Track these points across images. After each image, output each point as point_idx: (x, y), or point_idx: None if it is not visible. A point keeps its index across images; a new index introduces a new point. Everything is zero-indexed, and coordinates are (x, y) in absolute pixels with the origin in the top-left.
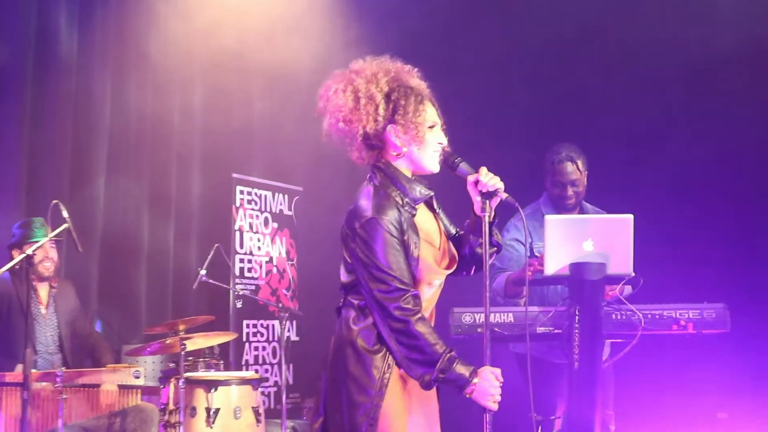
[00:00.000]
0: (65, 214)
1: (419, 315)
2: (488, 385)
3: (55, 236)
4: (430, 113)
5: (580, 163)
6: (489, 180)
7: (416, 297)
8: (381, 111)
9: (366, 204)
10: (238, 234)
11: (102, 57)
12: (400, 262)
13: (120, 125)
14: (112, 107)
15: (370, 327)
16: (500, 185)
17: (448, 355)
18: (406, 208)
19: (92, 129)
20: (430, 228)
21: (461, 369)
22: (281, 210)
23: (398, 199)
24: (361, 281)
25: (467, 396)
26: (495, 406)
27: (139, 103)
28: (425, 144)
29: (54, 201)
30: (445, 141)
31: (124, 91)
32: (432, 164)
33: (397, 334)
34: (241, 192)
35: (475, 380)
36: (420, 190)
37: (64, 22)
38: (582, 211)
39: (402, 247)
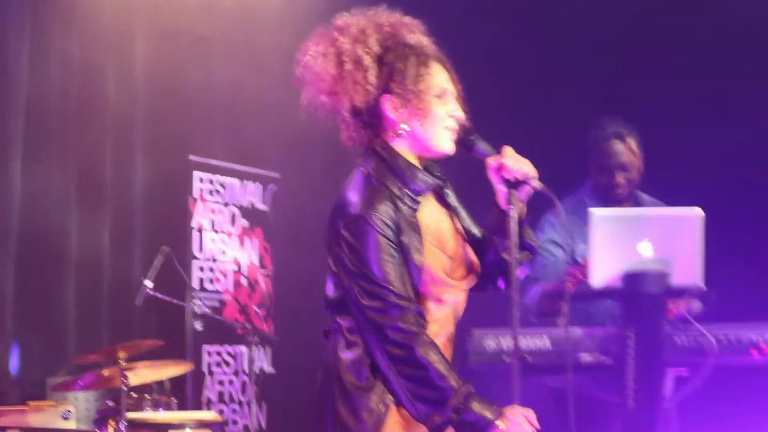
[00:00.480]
0: None
1: (424, 337)
2: (517, 430)
3: None
4: (438, 78)
5: (631, 141)
6: (515, 164)
7: (419, 315)
8: (371, 78)
9: (353, 197)
10: (196, 234)
11: (18, 14)
12: (397, 270)
13: (40, 93)
14: (30, 76)
15: (361, 356)
16: (531, 171)
17: (465, 390)
18: (406, 200)
19: (5, 104)
20: (438, 227)
21: (482, 409)
22: (252, 203)
23: (395, 189)
24: (350, 296)
25: None
26: None
27: (65, 64)
28: (432, 117)
29: None
30: (461, 113)
31: (45, 50)
32: (442, 143)
33: (397, 364)
34: (201, 180)
35: (500, 424)
36: (424, 178)
37: None
38: (637, 204)
39: (399, 251)
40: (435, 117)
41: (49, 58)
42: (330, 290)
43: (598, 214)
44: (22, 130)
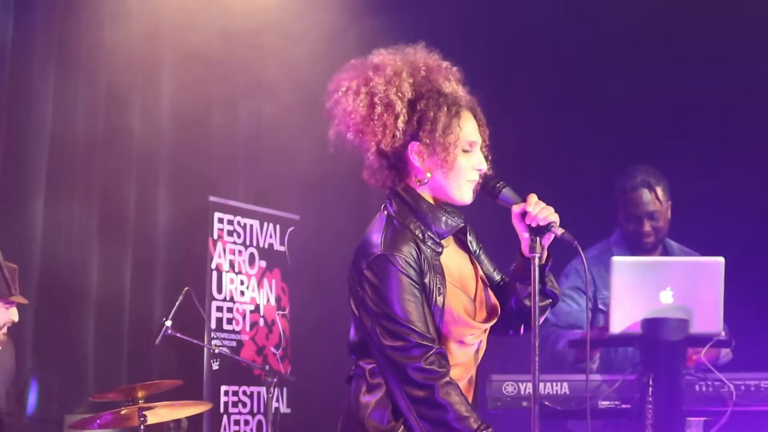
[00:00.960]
0: None
1: (446, 378)
2: None
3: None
4: (468, 130)
5: (659, 190)
6: (540, 211)
7: (441, 355)
8: (401, 124)
9: (375, 239)
10: (215, 274)
11: (43, 44)
12: (419, 310)
13: (64, 132)
14: (55, 108)
15: (384, 399)
16: (554, 218)
17: (485, 431)
18: (429, 243)
19: (29, 136)
20: (460, 271)
21: None
22: (271, 244)
23: (417, 232)
24: (372, 338)
25: None
26: None
27: (90, 103)
28: (456, 171)
29: None
30: (485, 166)
31: (70, 89)
32: (462, 195)
33: (417, 405)
34: (220, 220)
35: None
36: (446, 221)
37: None
38: (666, 252)
39: (421, 292)
40: (459, 170)
41: (72, 94)
42: (352, 333)
43: (619, 261)
44: (45, 166)
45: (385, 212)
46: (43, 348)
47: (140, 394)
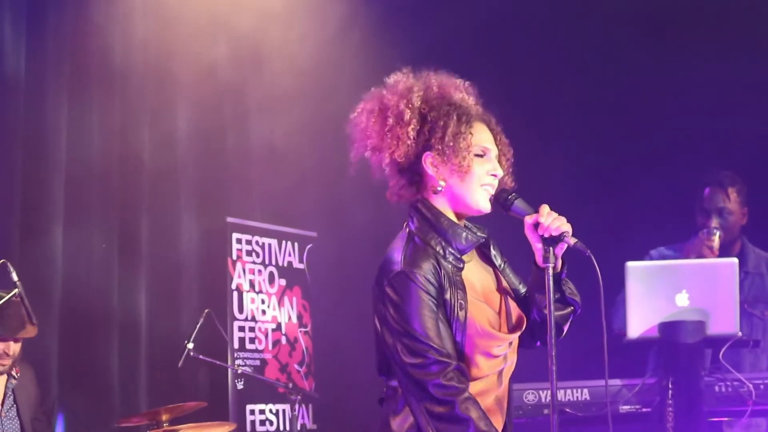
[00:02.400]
0: (15, 276)
1: (466, 394)
2: None
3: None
4: (480, 137)
5: (732, 191)
6: (552, 221)
7: (460, 372)
8: (412, 133)
9: (396, 256)
10: (235, 295)
11: (56, 75)
12: (438, 327)
13: (80, 158)
14: (70, 136)
15: (408, 416)
16: (566, 227)
17: None
18: (450, 259)
19: (46, 164)
20: (483, 284)
21: None
22: (290, 263)
23: (438, 249)
24: (393, 355)
25: None
26: None
27: (103, 129)
28: (471, 176)
29: (1, 260)
30: (500, 172)
31: (84, 116)
32: (479, 202)
33: (438, 421)
34: (239, 241)
35: None
36: (467, 237)
37: (8, 30)
38: (742, 252)
39: (442, 308)
40: (473, 175)
41: (87, 121)
42: (379, 353)
43: (633, 266)
44: (62, 193)
45: (407, 229)
46: (67, 374)
47: (165, 417)
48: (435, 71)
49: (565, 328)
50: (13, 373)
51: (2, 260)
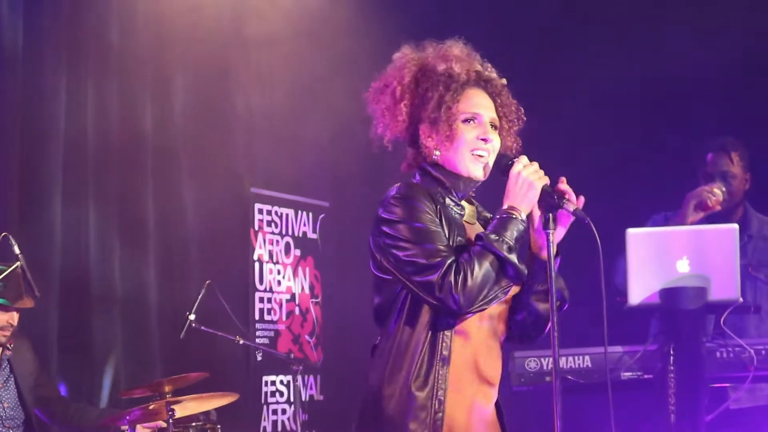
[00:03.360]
0: (16, 249)
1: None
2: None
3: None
4: (470, 103)
5: (735, 155)
6: (530, 173)
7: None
8: (404, 109)
9: (391, 191)
10: (257, 266)
11: (54, 49)
12: (435, 229)
13: (77, 131)
14: (68, 107)
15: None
16: (540, 182)
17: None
18: (449, 204)
19: (44, 139)
20: None
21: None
22: (305, 233)
23: (438, 196)
24: (398, 270)
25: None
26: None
27: (105, 104)
28: (458, 142)
29: (2, 233)
30: (491, 136)
31: (82, 91)
32: (469, 168)
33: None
34: (260, 211)
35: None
36: (464, 186)
37: (5, 5)
38: (745, 217)
39: (438, 223)
40: (462, 142)
41: (85, 95)
42: (375, 299)
43: (633, 233)
44: (61, 170)
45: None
46: (69, 347)
47: (167, 388)
48: (438, 42)
49: (548, 327)
50: (8, 344)
51: (3, 233)
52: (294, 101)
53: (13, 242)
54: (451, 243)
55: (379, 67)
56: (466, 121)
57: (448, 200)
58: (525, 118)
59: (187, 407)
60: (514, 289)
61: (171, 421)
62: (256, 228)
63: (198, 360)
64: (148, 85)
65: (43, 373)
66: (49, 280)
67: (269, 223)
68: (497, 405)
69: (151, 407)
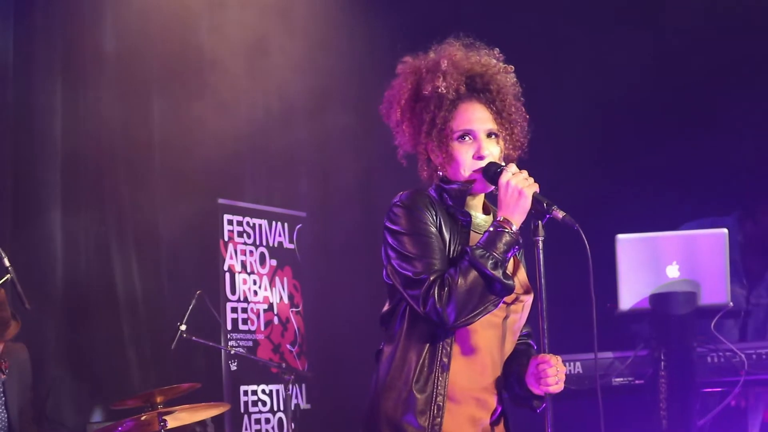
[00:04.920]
0: (6, 261)
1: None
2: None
3: None
4: (463, 119)
5: None
6: (519, 181)
7: (436, 281)
8: (407, 130)
9: (396, 198)
10: (228, 276)
11: (47, 58)
12: (433, 244)
13: (74, 143)
14: (64, 120)
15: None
16: (529, 190)
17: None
18: (456, 214)
19: (39, 149)
20: None
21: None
22: (280, 243)
23: (444, 205)
24: (395, 279)
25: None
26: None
27: (97, 113)
28: (456, 161)
29: None
30: (486, 153)
31: (77, 100)
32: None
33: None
34: (230, 222)
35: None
36: (463, 191)
37: None
38: None
39: (440, 239)
40: (459, 163)
41: (80, 105)
42: (385, 305)
43: (623, 238)
44: (59, 178)
45: None
46: (63, 358)
47: (159, 399)
48: (435, 46)
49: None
50: (2, 367)
51: None
52: (282, 114)
53: (3, 255)
54: (452, 252)
55: (357, 74)
56: (460, 138)
57: (453, 209)
58: (528, 116)
59: (179, 418)
60: (513, 299)
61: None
62: (226, 239)
63: (184, 370)
64: (141, 94)
65: (32, 390)
66: (44, 290)
67: (240, 234)
68: (503, 414)
69: (143, 418)
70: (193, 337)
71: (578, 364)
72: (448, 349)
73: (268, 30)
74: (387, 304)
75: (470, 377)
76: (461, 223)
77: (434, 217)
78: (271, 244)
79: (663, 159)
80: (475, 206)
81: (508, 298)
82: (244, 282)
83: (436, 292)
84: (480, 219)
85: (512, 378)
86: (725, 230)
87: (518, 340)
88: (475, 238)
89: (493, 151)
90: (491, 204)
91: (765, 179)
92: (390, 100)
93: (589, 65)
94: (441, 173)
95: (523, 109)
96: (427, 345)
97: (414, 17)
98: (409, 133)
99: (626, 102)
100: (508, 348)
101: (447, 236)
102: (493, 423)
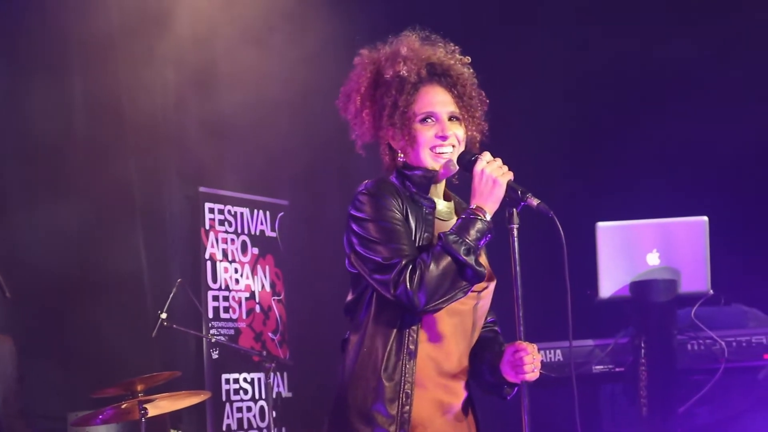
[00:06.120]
0: None
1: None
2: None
3: None
4: (425, 101)
5: None
6: (494, 170)
7: (409, 266)
8: (367, 118)
9: (361, 186)
10: (209, 264)
11: (4, 45)
12: (401, 231)
13: (49, 131)
14: (29, 108)
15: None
16: (504, 178)
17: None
18: (419, 199)
19: (18, 142)
20: None
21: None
22: (262, 231)
23: (408, 193)
24: (362, 268)
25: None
26: None
27: (65, 99)
28: (418, 143)
29: None
30: (449, 133)
31: (51, 90)
32: (431, 165)
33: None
34: (211, 210)
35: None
36: (431, 179)
37: None
38: None
39: (407, 226)
40: (421, 142)
41: (55, 98)
42: (349, 295)
43: (604, 226)
44: (36, 168)
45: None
46: (43, 347)
47: (139, 387)
48: (392, 37)
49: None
50: None
51: None
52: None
53: None
54: (417, 240)
55: (336, 63)
56: (423, 121)
57: (417, 197)
58: (488, 101)
59: (159, 406)
60: (483, 287)
61: (143, 420)
62: (207, 227)
63: (165, 358)
64: (114, 83)
65: (17, 382)
66: (21, 279)
67: (221, 222)
68: (470, 400)
69: (123, 406)
70: (174, 325)
71: (558, 351)
72: (415, 336)
73: (249, 18)
74: (351, 294)
75: (438, 364)
76: (425, 209)
77: (400, 205)
78: (252, 233)
79: (642, 146)
80: (437, 193)
81: (477, 286)
82: (226, 270)
83: (407, 276)
84: (442, 206)
85: (484, 366)
86: (705, 218)
87: (484, 327)
88: (439, 225)
89: (457, 133)
90: (451, 192)
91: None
92: (347, 92)
93: (566, 55)
94: (402, 159)
95: (483, 94)
96: (394, 332)
97: (398, 5)
98: (369, 121)
99: (603, 89)
100: (475, 335)
101: (413, 223)
102: (462, 409)
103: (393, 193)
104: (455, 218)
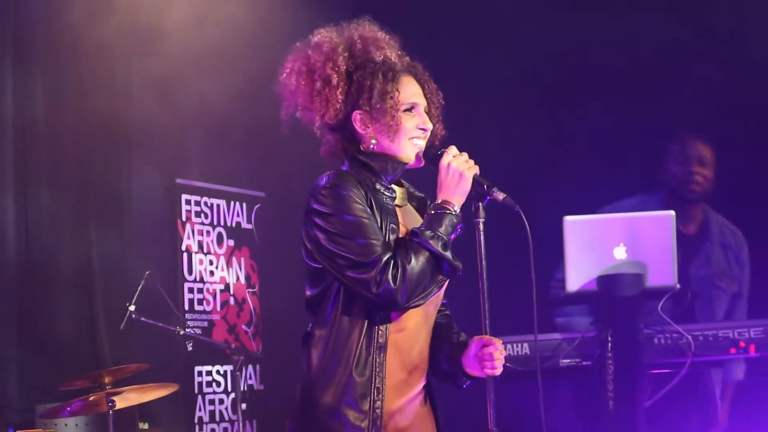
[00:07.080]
0: None
1: (398, 282)
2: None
3: None
4: (408, 92)
5: (709, 149)
6: (460, 164)
7: (388, 262)
8: (339, 96)
9: (321, 180)
10: (185, 256)
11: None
12: (371, 224)
13: (27, 119)
14: (15, 97)
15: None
16: (470, 172)
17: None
18: (381, 189)
19: None
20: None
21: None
22: (238, 223)
23: (368, 182)
24: (330, 264)
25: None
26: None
27: (50, 90)
28: (400, 132)
29: None
30: (429, 125)
31: (30, 76)
32: (407, 154)
33: (394, 303)
34: (188, 202)
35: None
36: (393, 166)
37: None
38: (706, 219)
39: (373, 219)
40: (403, 131)
41: (32, 81)
42: (307, 288)
43: (571, 220)
44: (12, 154)
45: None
46: (12, 337)
47: (107, 379)
48: (356, 22)
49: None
50: None
51: None
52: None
53: None
54: (383, 230)
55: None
56: (407, 110)
57: (378, 186)
58: (443, 102)
59: (127, 398)
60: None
61: (111, 412)
62: (184, 218)
63: (135, 351)
64: (93, 71)
65: None
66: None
67: (198, 214)
68: (428, 385)
69: (91, 398)
70: (142, 318)
71: (525, 345)
72: (384, 329)
73: (218, 11)
74: (311, 288)
75: (403, 355)
76: (386, 198)
77: (364, 196)
78: (228, 224)
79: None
80: (394, 181)
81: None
82: (201, 262)
83: (389, 274)
84: (398, 193)
85: (441, 355)
86: (672, 212)
87: (437, 311)
88: (400, 212)
89: (430, 126)
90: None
91: None
92: (311, 66)
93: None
94: (371, 146)
95: (441, 96)
96: (365, 327)
97: None
98: (340, 101)
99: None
100: (430, 323)
101: (378, 215)
102: (423, 398)
103: (356, 185)
104: (407, 204)
